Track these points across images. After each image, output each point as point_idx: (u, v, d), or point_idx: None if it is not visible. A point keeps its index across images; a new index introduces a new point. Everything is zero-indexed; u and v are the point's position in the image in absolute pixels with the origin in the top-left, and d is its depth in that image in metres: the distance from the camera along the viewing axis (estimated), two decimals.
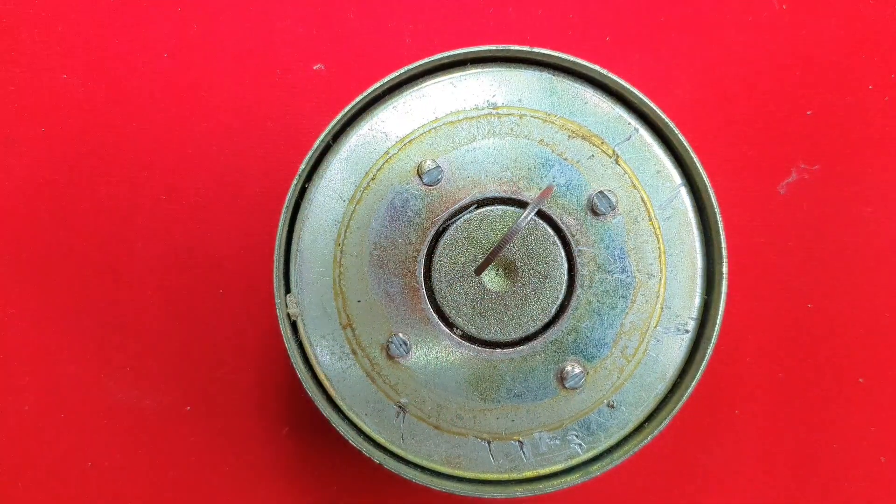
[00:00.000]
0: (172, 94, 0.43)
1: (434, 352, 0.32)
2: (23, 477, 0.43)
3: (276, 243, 0.31)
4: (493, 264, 0.31)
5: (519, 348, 0.32)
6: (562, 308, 0.32)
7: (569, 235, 0.31)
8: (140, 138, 0.43)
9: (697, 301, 0.32)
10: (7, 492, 0.43)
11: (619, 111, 0.31)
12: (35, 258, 0.43)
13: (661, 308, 0.31)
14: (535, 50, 0.31)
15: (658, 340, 0.32)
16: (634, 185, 0.31)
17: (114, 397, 0.43)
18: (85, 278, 0.43)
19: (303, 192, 0.32)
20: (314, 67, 0.43)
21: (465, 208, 0.32)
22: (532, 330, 0.32)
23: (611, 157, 0.31)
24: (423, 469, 0.32)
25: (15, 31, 0.43)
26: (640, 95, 0.31)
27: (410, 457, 0.32)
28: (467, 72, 0.32)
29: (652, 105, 0.31)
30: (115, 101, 0.43)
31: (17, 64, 0.43)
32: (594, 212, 0.31)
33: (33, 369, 0.43)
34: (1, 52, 0.43)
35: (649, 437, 0.31)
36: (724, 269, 0.31)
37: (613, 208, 0.31)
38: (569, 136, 0.31)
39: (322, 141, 0.31)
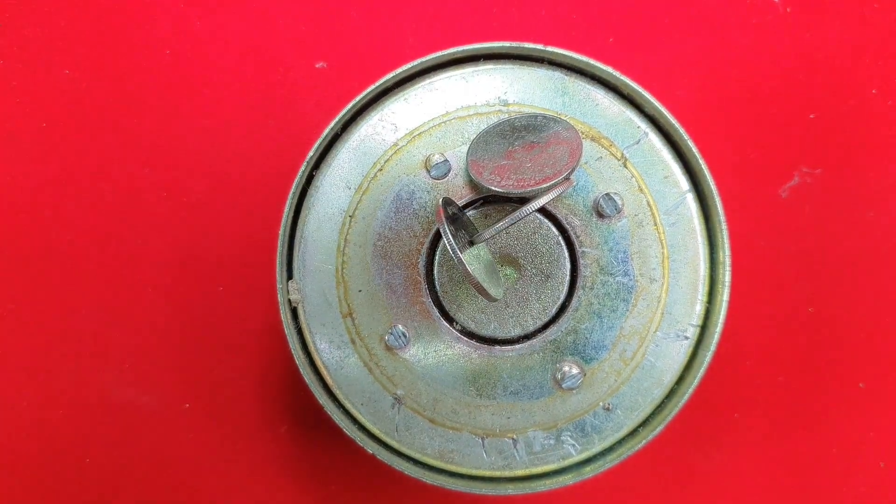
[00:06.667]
0: (174, 91, 0.43)
1: (433, 345, 0.32)
2: (20, 473, 0.43)
3: (281, 229, 0.31)
4: (496, 261, 0.31)
5: (517, 346, 0.32)
6: (562, 308, 0.32)
7: (573, 236, 0.31)
8: (141, 135, 0.43)
9: (698, 308, 0.32)
10: (4, 488, 0.43)
11: (629, 114, 0.32)
12: (34, 253, 0.43)
13: (662, 313, 0.32)
14: (549, 49, 0.31)
15: (657, 345, 0.32)
16: (641, 189, 0.31)
17: (112, 394, 0.43)
18: (84, 274, 0.43)
19: (310, 179, 0.32)
20: (316, 66, 0.43)
21: (471, 204, 0.32)
22: (531, 328, 0.32)
23: (619, 160, 0.31)
24: (416, 462, 0.32)
25: (17, 27, 0.43)
26: (652, 100, 0.31)
27: (404, 449, 0.32)
28: (480, 68, 0.32)
29: (663, 110, 0.31)
30: (116, 98, 0.43)
31: (19, 59, 0.43)
32: (599, 214, 0.31)
33: (31, 365, 0.43)
34: (3, 48, 0.43)
35: (643, 442, 0.31)
36: (727, 279, 0.31)
37: (619, 211, 0.31)
38: None
39: (332, 129, 0.31)
